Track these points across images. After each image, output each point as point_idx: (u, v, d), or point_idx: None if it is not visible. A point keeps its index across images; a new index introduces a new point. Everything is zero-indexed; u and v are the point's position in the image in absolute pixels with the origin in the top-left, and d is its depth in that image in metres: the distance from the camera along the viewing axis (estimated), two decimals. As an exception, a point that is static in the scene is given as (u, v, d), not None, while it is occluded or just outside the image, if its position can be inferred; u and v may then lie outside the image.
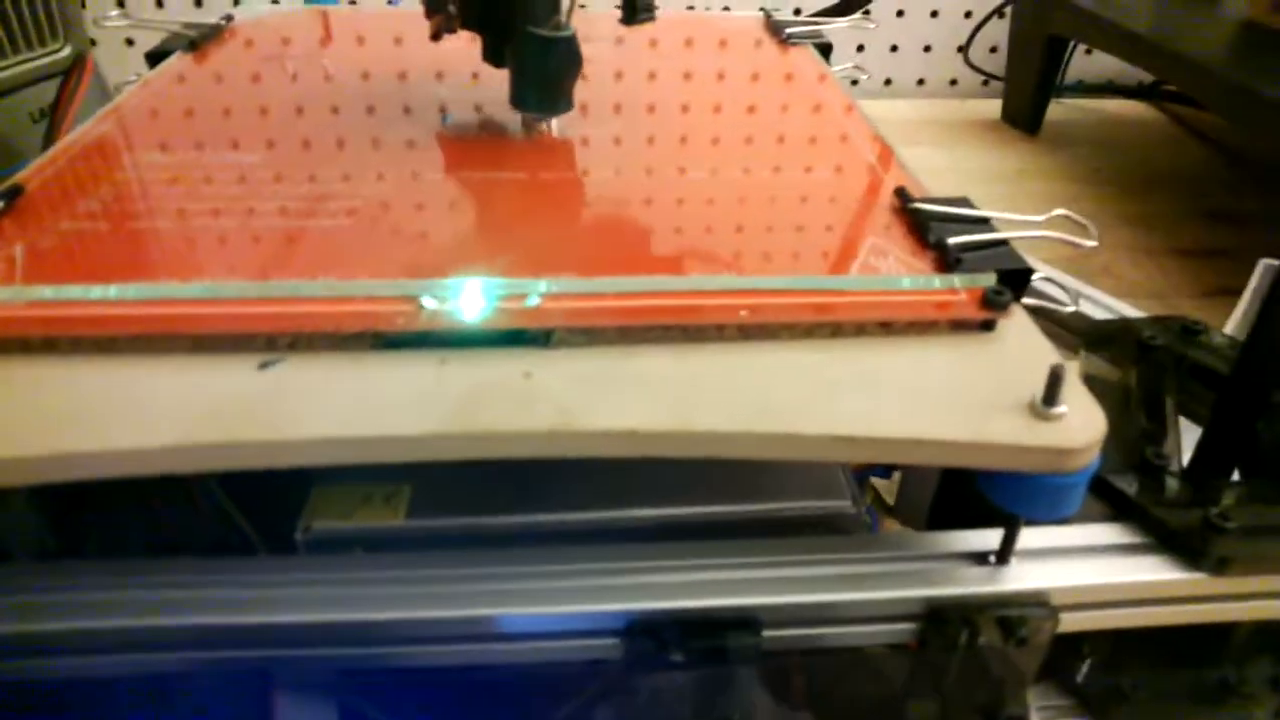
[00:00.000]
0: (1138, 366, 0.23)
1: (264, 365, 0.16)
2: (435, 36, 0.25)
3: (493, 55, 0.26)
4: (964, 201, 0.21)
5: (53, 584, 0.16)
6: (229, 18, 0.32)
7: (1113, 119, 0.65)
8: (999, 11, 0.61)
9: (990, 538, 0.18)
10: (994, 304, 0.17)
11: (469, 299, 0.17)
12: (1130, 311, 0.29)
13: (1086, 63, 0.63)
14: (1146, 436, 0.21)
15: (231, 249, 0.18)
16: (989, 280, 0.18)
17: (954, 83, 0.68)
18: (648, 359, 0.17)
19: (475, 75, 0.28)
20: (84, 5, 0.57)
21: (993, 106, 0.65)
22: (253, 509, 0.19)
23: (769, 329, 0.17)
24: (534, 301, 0.17)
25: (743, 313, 0.17)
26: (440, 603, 0.16)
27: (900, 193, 0.21)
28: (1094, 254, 0.47)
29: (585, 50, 0.24)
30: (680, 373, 0.16)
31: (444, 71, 0.29)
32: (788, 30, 0.33)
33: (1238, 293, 0.45)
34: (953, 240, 0.19)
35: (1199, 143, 0.62)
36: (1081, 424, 0.16)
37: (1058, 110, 0.63)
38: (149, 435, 0.15)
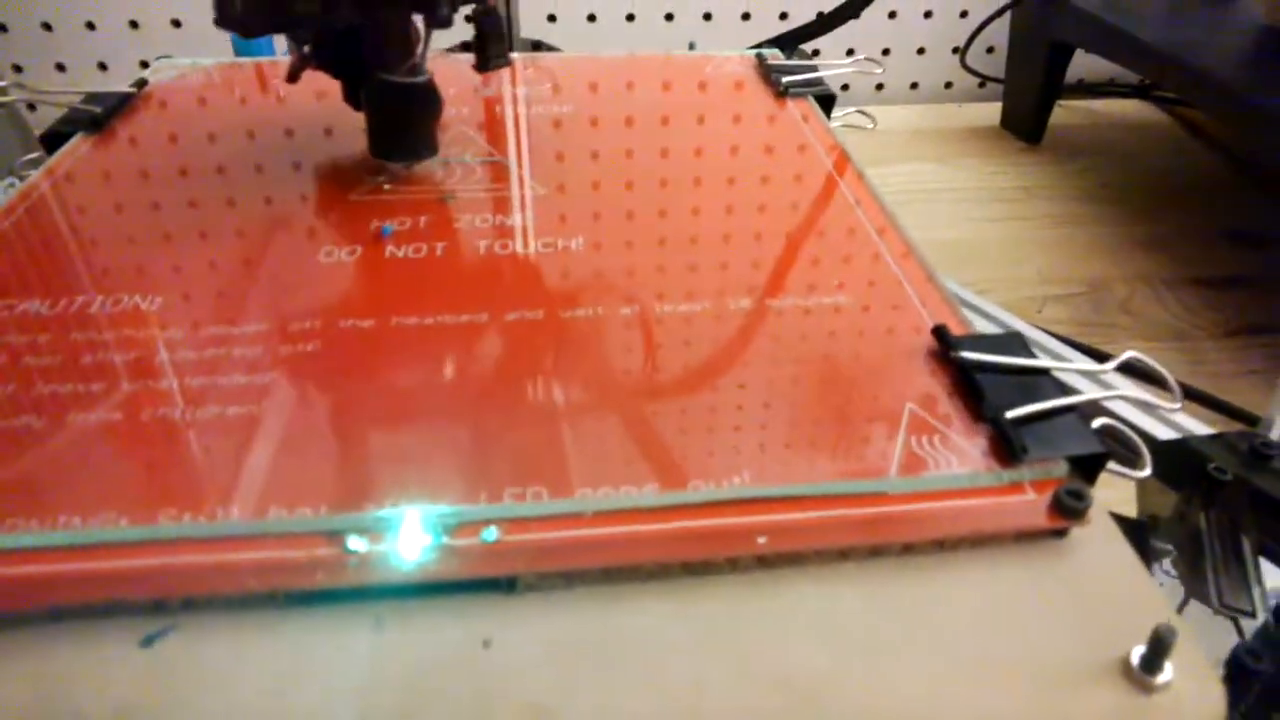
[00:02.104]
0: (1208, 509, 0.20)
1: (148, 640, 0.13)
2: (291, 76, 0.23)
3: (350, 98, 0.24)
4: (1016, 341, 0.17)
5: None
6: (141, 83, 0.28)
7: (1117, 123, 0.61)
8: (998, 14, 0.57)
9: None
10: (1071, 511, 0.14)
11: (408, 536, 0.13)
12: (1187, 421, 0.25)
13: (1087, 60, 0.59)
14: (1230, 611, 0.18)
15: (106, 464, 0.15)
16: (1060, 469, 0.15)
17: (949, 85, 0.64)
18: (641, 612, 0.13)
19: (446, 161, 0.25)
20: None
21: (990, 111, 0.61)
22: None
23: (794, 557, 0.14)
24: (492, 536, 0.13)
25: (761, 539, 0.13)
26: None
27: (940, 334, 0.17)
28: (1113, 289, 0.44)
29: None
30: (683, 633, 0.13)
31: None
32: (785, 79, 0.29)
33: (1265, 330, 0.42)
34: (1011, 414, 0.15)
35: (1206, 149, 0.59)
36: (1193, 699, 0.12)
37: (1059, 114, 0.59)
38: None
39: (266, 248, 0.21)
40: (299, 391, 0.16)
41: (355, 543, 0.13)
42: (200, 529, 0.13)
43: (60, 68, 0.55)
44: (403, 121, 0.23)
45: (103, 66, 0.55)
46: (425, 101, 0.23)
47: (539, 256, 0.21)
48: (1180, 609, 0.20)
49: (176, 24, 0.54)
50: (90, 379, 0.16)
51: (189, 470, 0.14)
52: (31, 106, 0.51)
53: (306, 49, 0.23)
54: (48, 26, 0.53)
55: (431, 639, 0.13)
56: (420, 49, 0.22)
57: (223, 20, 0.19)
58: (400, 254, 0.20)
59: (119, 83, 0.28)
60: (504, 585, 0.13)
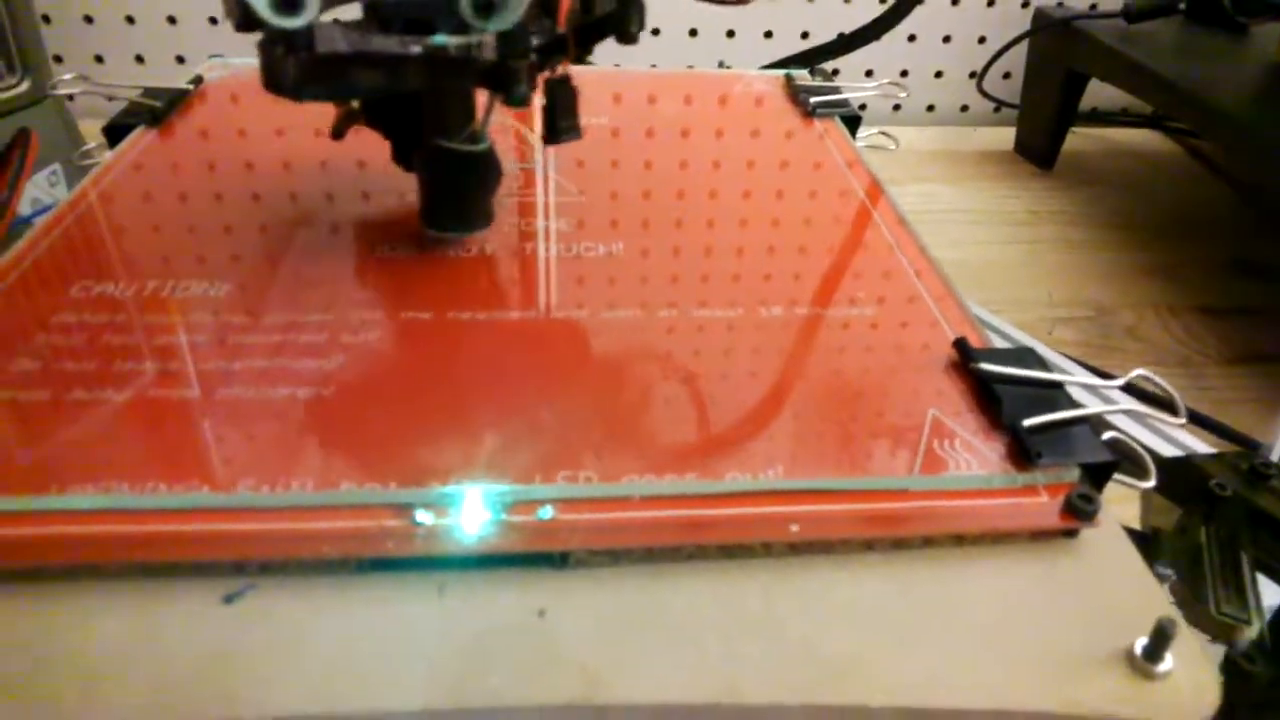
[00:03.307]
0: (1208, 524, 0.21)
1: (230, 598, 0.14)
2: (337, 133, 0.22)
3: (401, 159, 0.23)
4: (1031, 355, 0.18)
5: None
6: (198, 79, 0.29)
7: (1128, 152, 0.63)
8: (1016, 42, 0.58)
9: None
10: (1081, 513, 0.15)
11: (471, 512, 0.14)
12: (1190, 440, 0.27)
13: (1101, 89, 0.61)
14: (1227, 622, 0.19)
15: (191, 437, 0.16)
16: (1071, 474, 0.16)
17: (965, 109, 0.66)
18: (682, 589, 0.14)
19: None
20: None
21: (1005, 135, 0.63)
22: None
23: (823, 545, 0.15)
24: (547, 514, 0.14)
25: (794, 527, 0.15)
26: None
27: (961, 346, 0.19)
28: (1120, 314, 0.45)
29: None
30: (720, 610, 0.14)
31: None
32: (813, 100, 0.30)
33: (1268, 359, 0.43)
34: (1027, 423, 0.16)
35: (1217, 180, 0.60)
36: (1191, 688, 0.13)
37: (1072, 140, 0.61)
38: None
39: (320, 242, 0.22)
40: (366, 376, 0.17)
41: (422, 516, 0.14)
42: (279, 499, 0.14)
43: (99, 59, 0.56)
44: (459, 191, 0.22)
45: (140, 59, 0.57)
46: (485, 172, 0.22)
47: (579, 260, 0.22)
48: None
49: (214, 21, 0.56)
50: (170, 359, 0.17)
51: (267, 445, 0.16)
52: (69, 97, 0.52)
53: (355, 105, 0.21)
54: (89, 19, 0.55)
55: (490, 607, 0.14)
56: (484, 115, 0.21)
57: (273, 86, 0.18)
58: (451, 253, 0.21)
59: (156, 76, 0.29)
60: (556, 560, 0.14)
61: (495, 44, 0.18)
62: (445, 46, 0.17)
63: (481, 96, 0.21)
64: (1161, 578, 0.21)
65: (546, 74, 0.20)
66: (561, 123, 0.21)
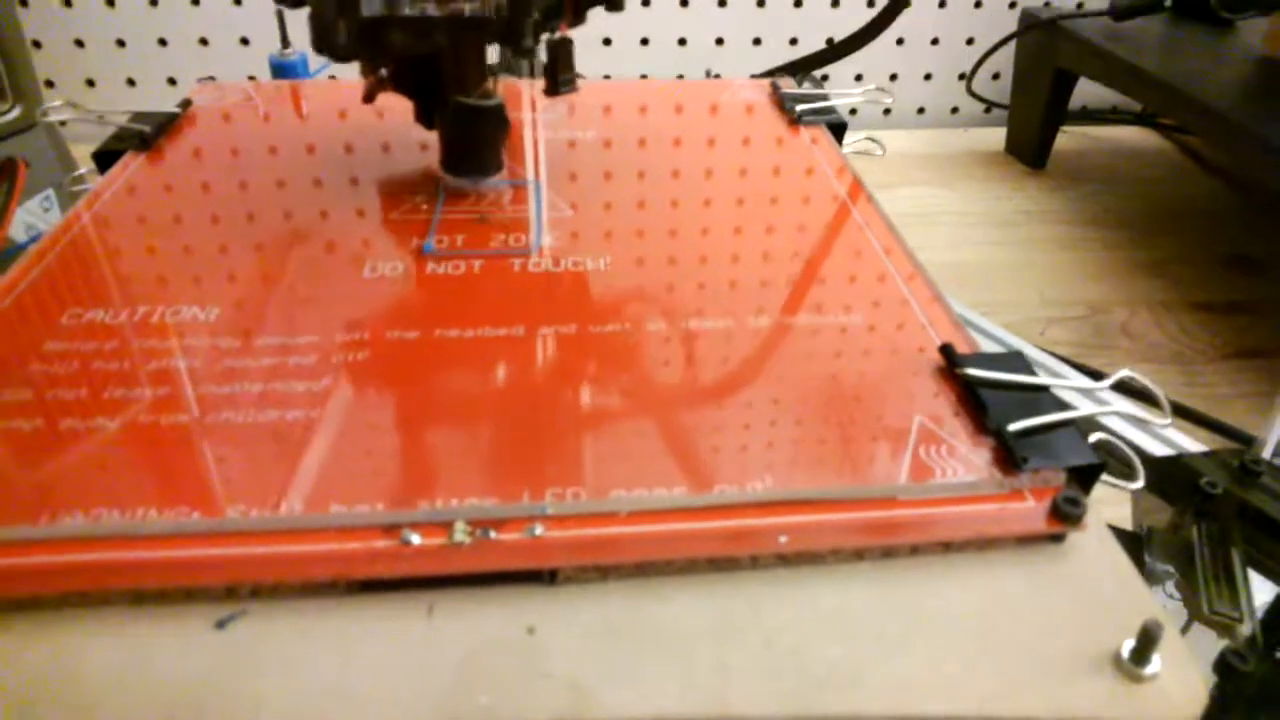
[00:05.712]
0: (1200, 521, 0.21)
1: (221, 623, 0.14)
2: (368, 98, 0.25)
3: (423, 118, 0.26)
4: (1018, 359, 0.18)
5: None
6: (186, 103, 0.29)
7: (1119, 149, 0.63)
8: (1004, 42, 0.58)
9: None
10: (1067, 517, 0.15)
11: (460, 530, 0.14)
12: (1183, 440, 0.27)
13: (1090, 87, 0.61)
14: (1219, 620, 0.19)
15: (180, 462, 0.16)
16: (1058, 478, 0.16)
17: (955, 110, 0.66)
18: (670, 602, 0.14)
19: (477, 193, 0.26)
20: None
21: (995, 135, 0.63)
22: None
23: (812, 555, 0.15)
24: (537, 531, 0.15)
25: (782, 538, 0.15)
26: None
27: (947, 352, 0.19)
28: (1113, 312, 0.45)
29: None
30: (709, 622, 0.14)
31: (431, 168, 0.27)
32: (799, 107, 0.30)
33: (1261, 354, 0.43)
34: (1013, 427, 0.16)
35: (1208, 175, 0.60)
36: (1178, 689, 0.13)
37: (1062, 139, 0.61)
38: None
39: (311, 263, 0.22)
40: (355, 397, 0.17)
41: (412, 536, 0.14)
42: (269, 522, 0.15)
43: (90, 84, 0.56)
44: (475, 141, 0.25)
45: (131, 83, 0.57)
46: (497, 122, 0.25)
47: (568, 275, 0.22)
48: (1184, 631, 0.21)
49: (204, 42, 0.56)
50: (158, 384, 0.17)
51: (257, 469, 0.16)
52: (61, 123, 0.53)
53: (384, 73, 0.24)
54: (80, 43, 0.55)
55: (480, 625, 0.14)
56: (494, 76, 0.24)
57: (322, 47, 0.21)
58: (440, 270, 0.22)
59: (148, 99, 0.29)
60: (545, 577, 0.14)
61: (506, 5, 0.21)
62: (463, 8, 0.21)
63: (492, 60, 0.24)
64: (1163, 577, 0.21)
65: (548, 35, 0.24)
66: (561, 76, 0.25)
